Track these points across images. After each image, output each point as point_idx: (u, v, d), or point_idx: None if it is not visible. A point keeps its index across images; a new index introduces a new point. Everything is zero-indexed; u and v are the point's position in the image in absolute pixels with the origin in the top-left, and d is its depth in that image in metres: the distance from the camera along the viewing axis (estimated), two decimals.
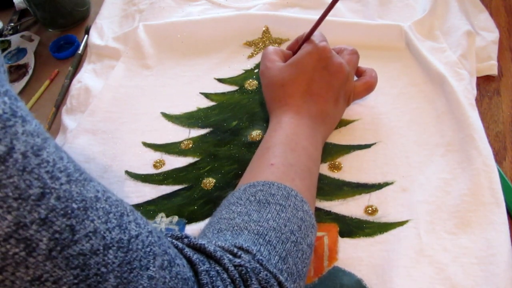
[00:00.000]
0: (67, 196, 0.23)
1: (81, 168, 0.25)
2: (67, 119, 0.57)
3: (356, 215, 0.44)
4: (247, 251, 0.31)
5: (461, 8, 0.59)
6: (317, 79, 0.45)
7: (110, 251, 0.24)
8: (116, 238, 0.24)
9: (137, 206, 0.48)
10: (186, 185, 0.49)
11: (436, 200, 0.43)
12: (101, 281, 0.23)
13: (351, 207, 0.44)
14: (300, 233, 0.35)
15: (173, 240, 0.30)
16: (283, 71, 0.46)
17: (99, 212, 0.24)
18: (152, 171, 0.50)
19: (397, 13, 0.60)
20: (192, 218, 0.46)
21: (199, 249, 0.30)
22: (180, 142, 0.53)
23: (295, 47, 0.50)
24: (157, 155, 0.52)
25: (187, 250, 0.29)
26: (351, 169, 0.47)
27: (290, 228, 0.34)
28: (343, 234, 0.43)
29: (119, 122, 0.56)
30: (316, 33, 0.47)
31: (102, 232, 0.24)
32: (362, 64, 0.50)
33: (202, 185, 0.48)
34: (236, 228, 0.33)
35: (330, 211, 0.44)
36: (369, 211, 0.44)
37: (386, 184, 0.45)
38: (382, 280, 0.39)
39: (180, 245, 0.30)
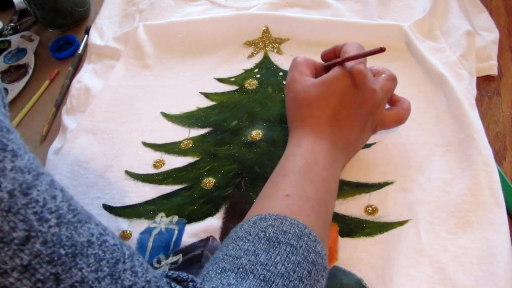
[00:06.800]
0: (55, 241, 0.21)
1: (77, 208, 0.23)
2: (67, 119, 0.57)
3: (356, 215, 0.44)
4: None
5: (461, 8, 0.59)
6: (346, 104, 0.41)
7: None
8: None
9: (137, 206, 0.48)
10: (186, 185, 0.49)
11: (436, 200, 0.43)
12: None
13: (351, 206, 0.44)
14: (309, 279, 0.32)
15: (177, 286, 0.28)
16: (312, 89, 0.42)
17: (89, 259, 0.22)
18: (152, 171, 0.50)
19: (397, 13, 0.60)
20: (192, 218, 0.46)
21: None
22: (180, 142, 0.53)
23: (329, 57, 0.46)
24: (157, 155, 0.52)
25: None
26: (351, 168, 0.47)
27: (299, 274, 0.31)
28: (343, 233, 0.43)
29: (119, 122, 0.56)
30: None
31: (90, 282, 0.22)
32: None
33: (202, 185, 0.48)
34: (241, 270, 0.31)
35: None
36: (369, 211, 0.44)
37: (386, 184, 0.45)
38: (382, 280, 0.39)
39: None
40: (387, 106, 0.46)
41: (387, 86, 0.44)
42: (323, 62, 0.47)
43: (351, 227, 0.43)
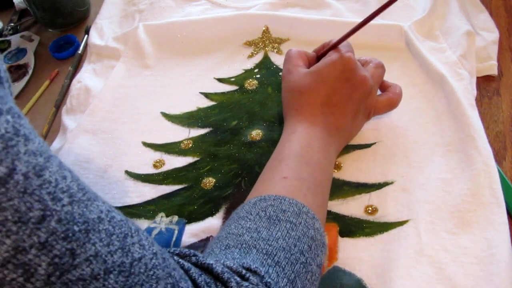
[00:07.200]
0: (69, 218, 0.22)
1: (85, 187, 0.25)
2: (67, 119, 0.57)
3: (356, 215, 0.44)
4: (255, 273, 0.30)
5: (461, 8, 0.59)
6: (338, 90, 0.43)
7: (111, 276, 0.23)
8: (118, 261, 0.24)
9: (137, 206, 0.48)
10: (186, 185, 0.49)
11: (436, 200, 0.43)
12: None
13: (351, 206, 0.44)
14: (310, 253, 0.33)
15: (180, 259, 0.29)
16: (304, 78, 0.44)
17: (101, 234, 0.23)
18: (152, 171, 0.50)
19: (397, 13, 0.60)
20: (192, 218, 0.46)
21: (207, 269, 0.29)
22: (180, 142, 0.53)
23: (320, 51, 0.48)
24: (157, 155, 0.52)
25: (193, 271, 0.29)
26: (351, 168, 0.47)
27: (300, 248, 0.33)
28: (343, 234, 0.43)
29: (119, 122, 0.56)
30: (343, 42, 0.45)
31: (103, 255, 0.23)
32: None
33: (202, 185, 0.48)
34: (244, 245, 0.32)
35: (330, 211, 0.44)
36: (369, 211, 0.44)
37: (386, 184, 0.45)
38: (382, 280, 0.39)
39: (187, 265, 0.29)
40: (379, 92, 0.48)
41: (377, 73, 0.46)
42: (315, 54, 0.49)
43: (351, 227, 0.43)
